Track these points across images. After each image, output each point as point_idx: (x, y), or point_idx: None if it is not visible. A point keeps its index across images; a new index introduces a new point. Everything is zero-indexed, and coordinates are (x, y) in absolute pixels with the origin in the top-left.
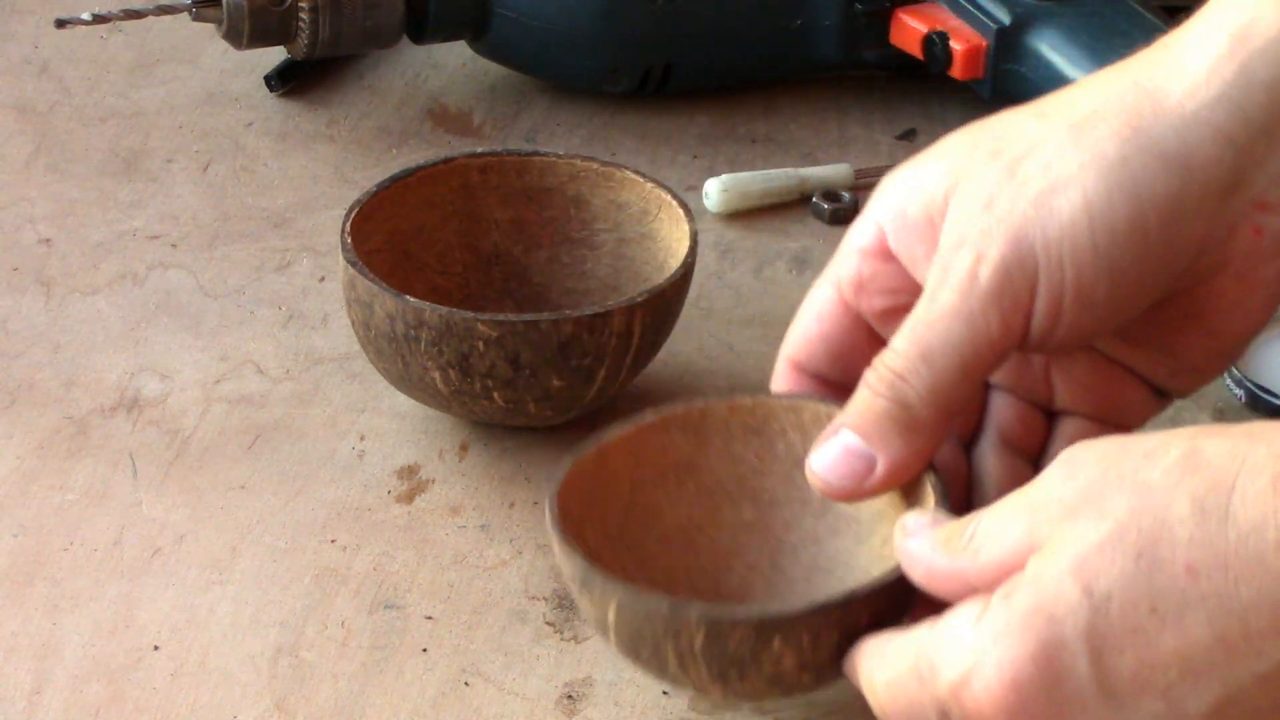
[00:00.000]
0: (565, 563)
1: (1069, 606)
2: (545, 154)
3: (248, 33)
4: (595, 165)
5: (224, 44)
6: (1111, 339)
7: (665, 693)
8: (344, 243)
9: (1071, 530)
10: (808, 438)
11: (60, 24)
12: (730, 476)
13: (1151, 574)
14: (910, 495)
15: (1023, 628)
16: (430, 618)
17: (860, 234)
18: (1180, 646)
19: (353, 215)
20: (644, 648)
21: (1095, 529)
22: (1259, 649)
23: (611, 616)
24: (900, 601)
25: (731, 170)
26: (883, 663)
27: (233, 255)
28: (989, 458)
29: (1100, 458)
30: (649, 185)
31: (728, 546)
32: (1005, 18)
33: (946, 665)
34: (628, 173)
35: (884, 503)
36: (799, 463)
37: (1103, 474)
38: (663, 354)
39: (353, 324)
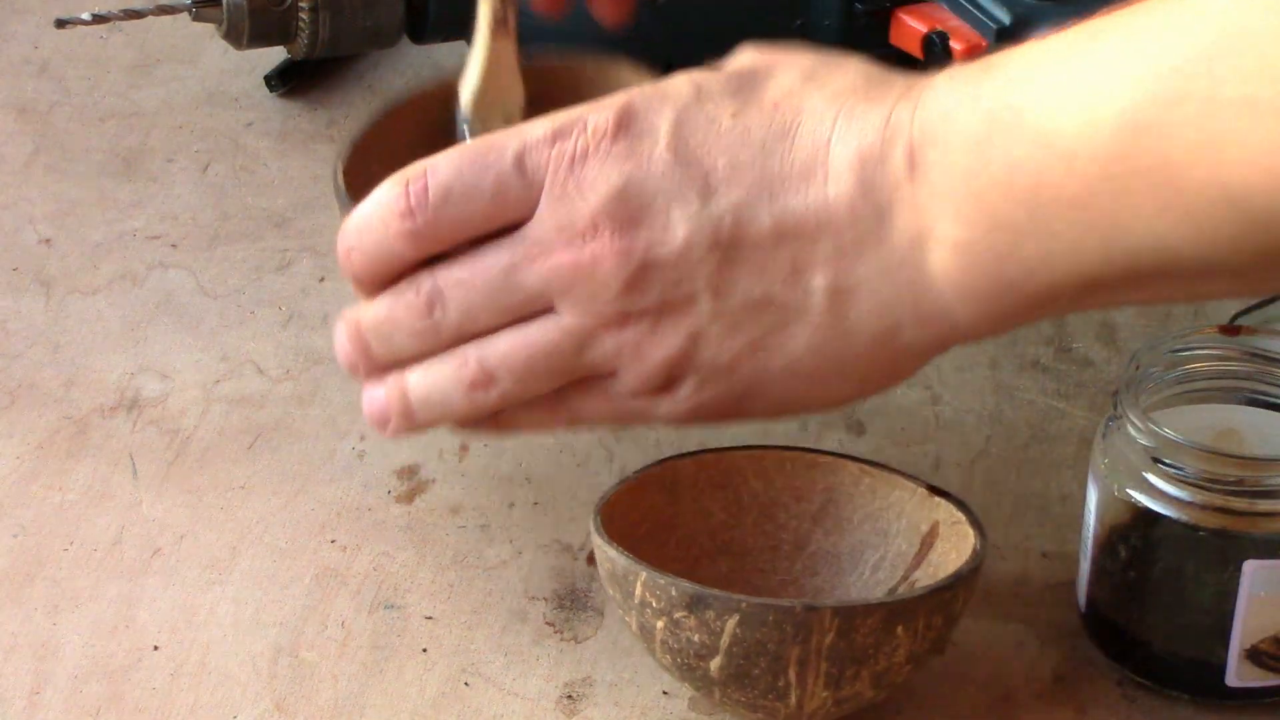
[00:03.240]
0: (659, 593)
1: (676, 91)
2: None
3: (248, 33)
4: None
5: (224, 44)
6: None
7: (665, 693)
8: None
9: (716, 68)
10: (771, 484)
11: (60, 24)
12: (703, 531)
13: (748, 96)
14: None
15: (636, 94)
16: (430, 618)
17: None
18: (736, 146)
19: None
20: (762, 659)
21: (730, 72)
22: (786, 183)
23: (729, 632)
24: (974, 589)
25: None
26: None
27: (233, 255)
28: None
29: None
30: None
31: None
32: (1005, 18)
33: (545, 120)
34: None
35: (865, 532)
36: (765, 510)
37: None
38: None
39: None
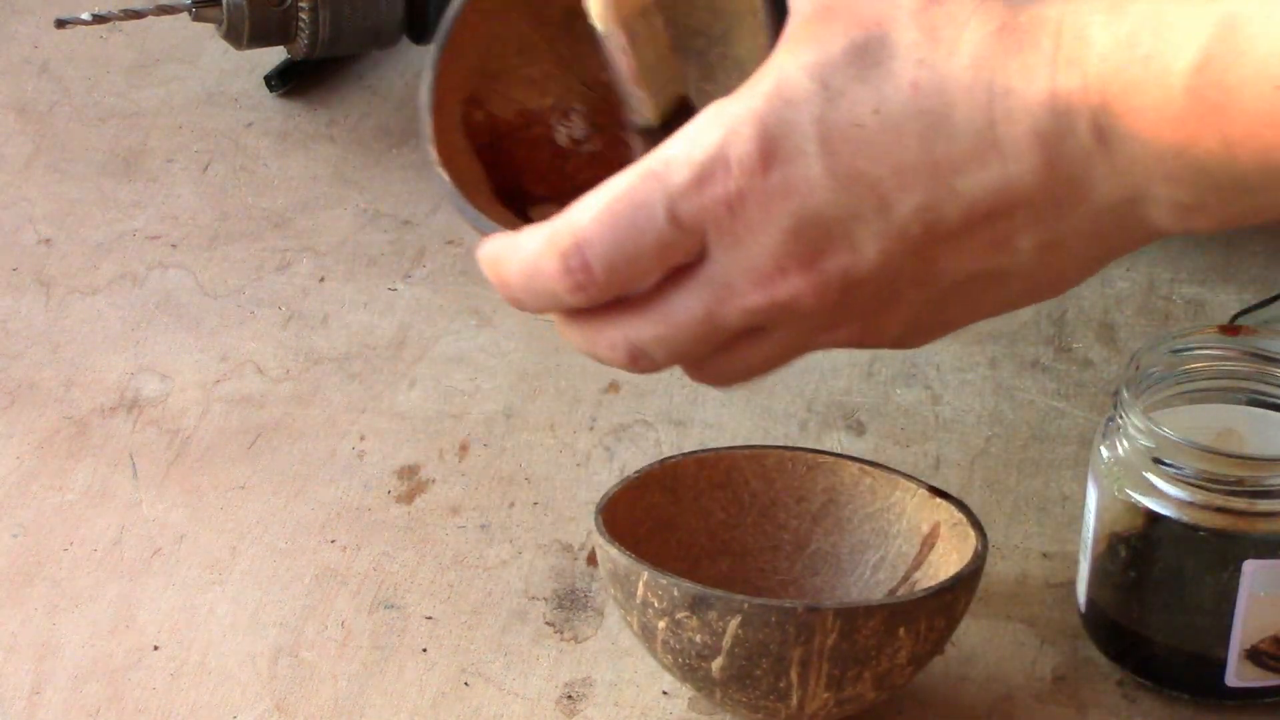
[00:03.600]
0: (662, 593)
1: (805, 94)
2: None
3: (248, 33)
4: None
5: (224, 44)
6: None
7: (665, 693)
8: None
9: (812, 41)
10: (772, 484)
11: (60, 24)
12: (703, 531)
13: (881, 82)
14: None
15: (764, 107)
16: (430, 618)
17: None
18: (897, 156)
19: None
20: (764, 660)
21: (835, 42)
22: (959, 168)
23: (732, 633)
24: (973, 591)
25: None
26: (602, 188)
27: (233, 255)
28: None
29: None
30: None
31: None
32: None
33: (681, 159)
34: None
35: (865, 533)
36: (766, 510)
37: (853, 5)
38: None
39: None
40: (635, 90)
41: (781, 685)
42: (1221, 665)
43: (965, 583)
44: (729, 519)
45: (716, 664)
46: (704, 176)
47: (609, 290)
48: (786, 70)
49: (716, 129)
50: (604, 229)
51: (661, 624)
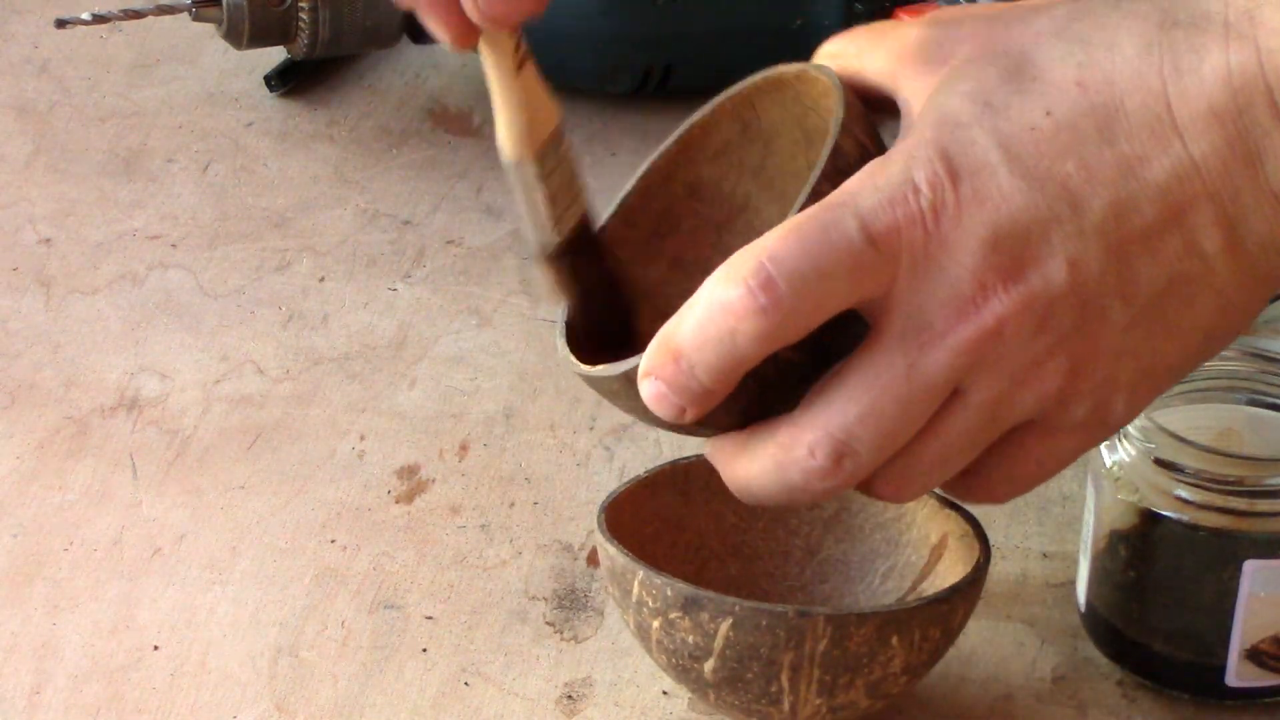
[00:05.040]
0: (655, 593)
1: (971, 114)
2: None
3: (248, 33)
4: None
5: (224, 44)
6: None
7: (665, 693)
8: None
9: (959, 77)
10: None
11: (60, 24)
12: (714, 533)
13: (1044, 89)
14: None
15: (936, 134)
16: (430, 618)
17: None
18: (1074, 143)
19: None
20: (755, 663)
21: (985, 71)
22: (1143, 156)
23: (723, 635)
24: (975, 602)
25: None
26: (784, 223)
27: (233, 255)
28: None
29: (986, 19)
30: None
31: None
32: None
33: (867, 188)
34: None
35: (876, 541)
36: (778, 516)
37: (989, 28)
38: None
39: None
40: (545, 214)
41: (773, 689)
42: (1221, 665)
43: (962, 595)
44: (740, 522)
45: (708, 665)
46: (894, 199)
47: (796, 317)
48: (944, 102)
49: (894, 164)
50: (792, 243)
51: (656, 624)
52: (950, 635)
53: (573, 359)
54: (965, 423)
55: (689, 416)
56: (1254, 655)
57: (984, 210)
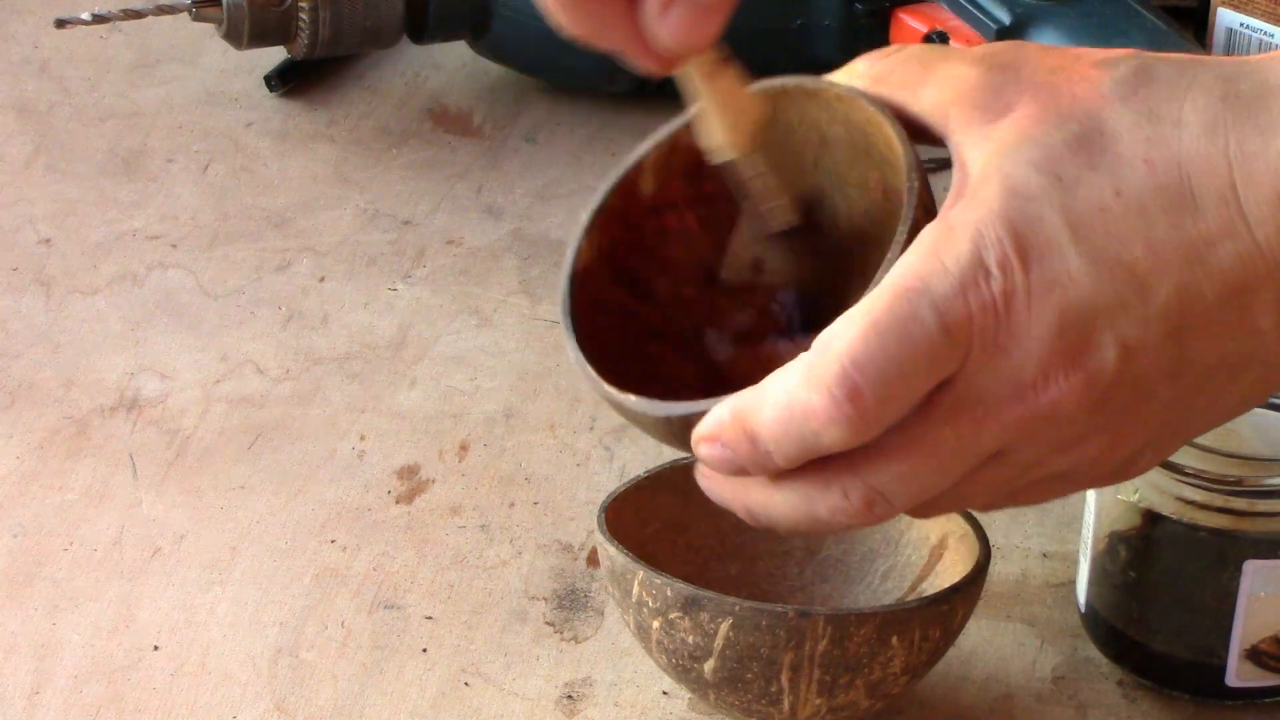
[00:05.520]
0: (655, 593)
1: (1040, 188)
2: None
3: (248, 33)
4: None
5: (224, 44)
6: None
7: (665, 693)
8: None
9: (1027, 141)
10: None
11: (60, 24)
12: (714, 534)
13: (1113, 165)
14: None
15: (1004, 207)
16: (430, 618)
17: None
18: (1143, 227)
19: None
20: (755, 663)
21: (1053, 136)
22: (1210, 240)
23: (723, 635)
24: (975, 602)
25: None
26: (854, 317)
27: (233, 255)
28: None
29: (1048, 69)
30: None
31: None
32: (1005, 18)
33: (937, 271)
34: None
35: (875, 541)
36: None
37: (1052, 83)
38: None
39: None
40: (775, 200)
41: (773, 689)
42: (1221, 665)
43: (963, 595)
44: (740, 523)
45: (708, 666)
46: (967, 284)
47: (880, 422)
48: (1010, 170)
49: (962, 240)
50: (873, 346)
51: (656, 624)
52: (950, 635)
53: (602, 382)
54: (998, 476)
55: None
56: (1254, 655)
57: (1052, 296)
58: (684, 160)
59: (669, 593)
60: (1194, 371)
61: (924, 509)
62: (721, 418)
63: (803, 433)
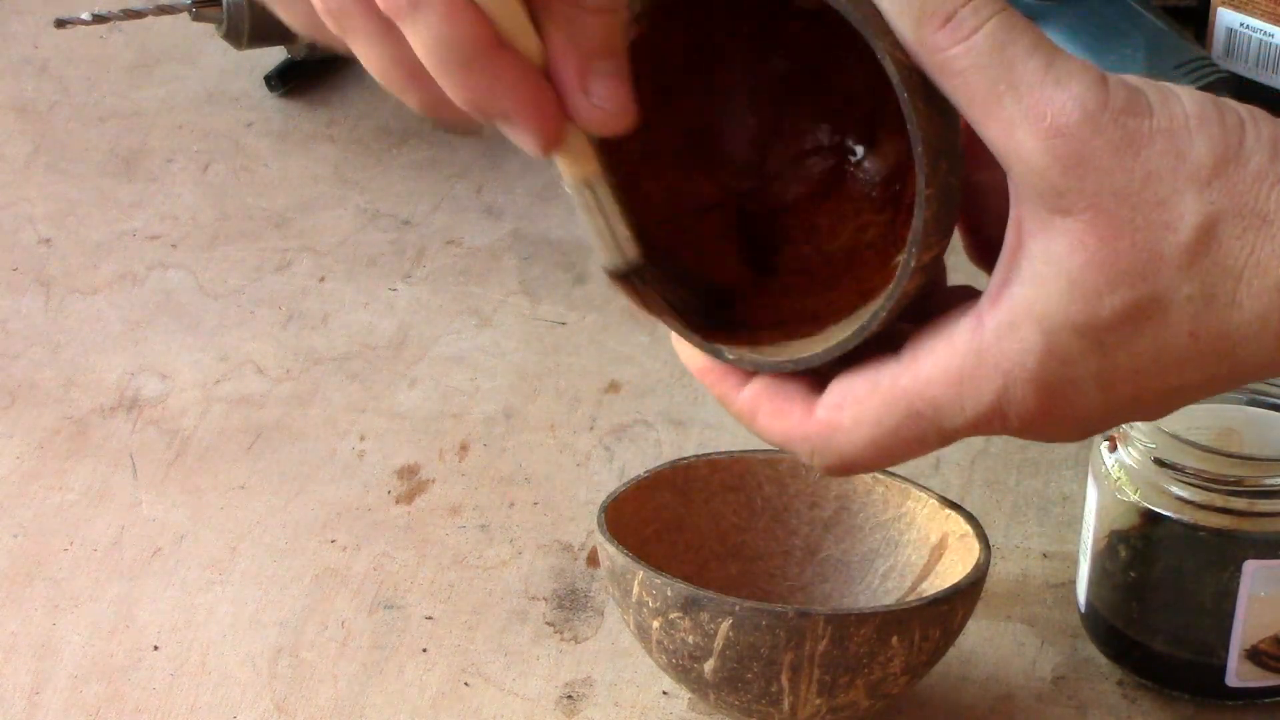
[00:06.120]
0: (655, 593)
1: (1079, 353)
2: None
3: (248, 33)
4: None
5: (224, 44)
6: None
7: (665, 693)
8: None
9: (1078, 297)
10: (785, 489)
11: (60, 24)
12: (713, 534)
13: (1157, 332)
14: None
15: (1040, 370)
16: (430, 618)
17: None
18: (1176, 381)
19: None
20: (755, 663)
21: (1104, 302)
22: (1249, 374)
23: (723, 635)
24: (975, 603)
25: None
26: (863, 418)
27: (233, 255)
28: None
29: (1113, 189)
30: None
31: None
32: None
33: (954, 407)
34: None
35: (876, 541)
36: (778, 516)
37: (1116, 214)
38: (666, 358)
39: None
40: (621, 230)
41: (773, 689)
42: (1221, 665)
43: (963, 595)
44: (740, 522)
45: (708, 666)
46: (979, 424)
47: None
48: (1054, 327)
49: (988, 386)
50: (869, 457)
51: (656, 624)
52: (950, 635)
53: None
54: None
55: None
56: (1254, 655)
57: (1064, 425)
58: None
59: (669, 593)
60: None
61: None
62: (744, 403)
63: (790, 448)
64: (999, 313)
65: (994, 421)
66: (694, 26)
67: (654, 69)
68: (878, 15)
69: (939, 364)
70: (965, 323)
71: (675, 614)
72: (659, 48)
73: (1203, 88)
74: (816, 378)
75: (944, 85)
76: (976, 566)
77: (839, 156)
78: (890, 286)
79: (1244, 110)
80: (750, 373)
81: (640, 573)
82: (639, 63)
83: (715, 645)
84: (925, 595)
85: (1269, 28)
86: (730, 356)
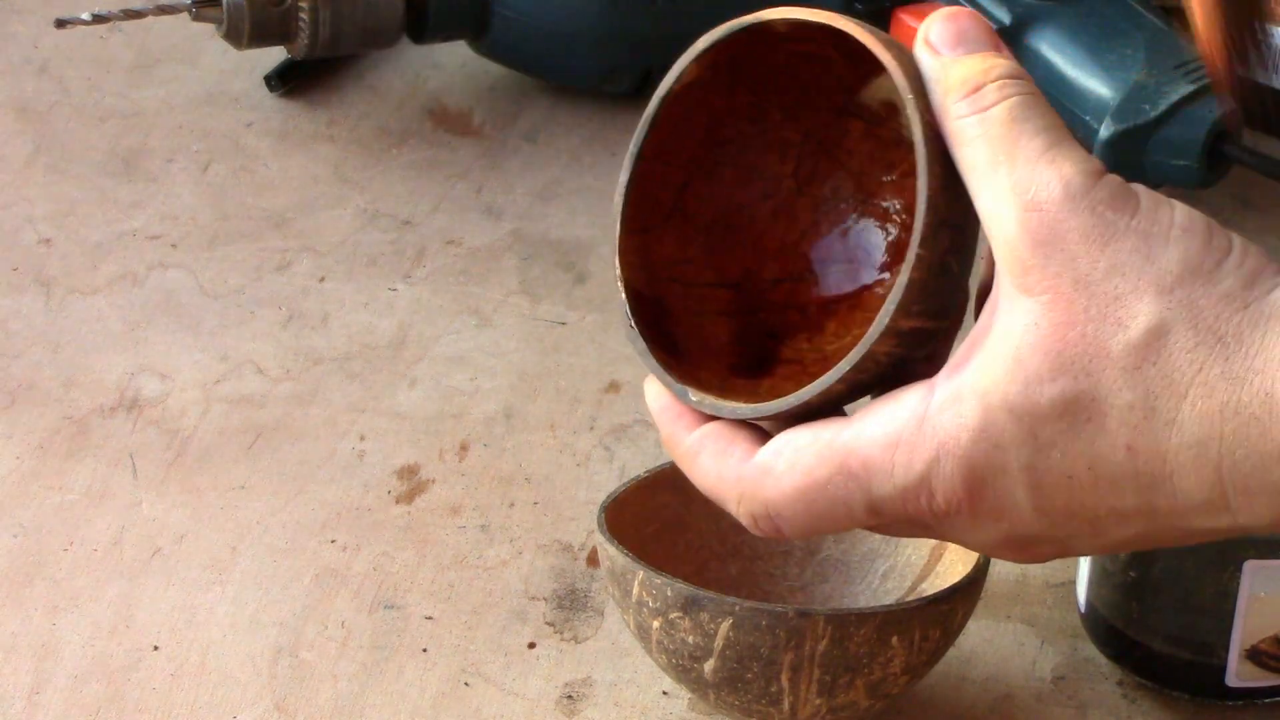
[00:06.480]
0: (656, 593)
1: (1012, 439)
2: None
3: (248, 33)
4: None
5: (224, 44)
6: None
7: (665, 693)
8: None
9: (1017, 379)
10: None
11: (60, 24)
12: (714, 533)
13: (1093, 438)
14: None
15: (970, 449)
16: (430, 618)
17: None
18: (1112, 502)
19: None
20: (755, 663)
21: (1041, 390)
22: (1185, 516)
23: (723, 635)
24: (975, 603)
25: None
26: (797, 465)
27: (233, 255)
28: None
29: (1074, 278)
30: None
31: None
32: (1005, 18)
33: (884, 471)
34: None
35: (876, 541)
36: None
37: (1071, 300)
38: None
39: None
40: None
41: (773, 690)
42: (1221, 665)
43: (963, 594)
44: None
45: (709, 666)
46: (907, 496)
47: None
48: (991, 404)
49: (920, 456)
50: (799, 510)
51: (656, 624)
52: (950, 635)
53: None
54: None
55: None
56: (1254, 655)
57: (999, 524)
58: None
59: (669, 593)
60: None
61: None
62: (692, 443)
63: (715, 495)
64: (950, 384)
65: (920, 497)
66: (758, 93)
67: (710, 121)
68: (919, 79)
69: (881, 425)
70: (918, 391)
71: (675, 614)
72: (719, 101)
73: (1202, 88)
74: (768, 434)
75: (955, 152)
76: (977, 566)
77: (867, 273)
78: (858, 346)
79: (1239, 240)
80: (707, 418)
81: (640, 573)
82: (696, 110)
83: (715, 645)
84: (925, 595)
85: (1269, 28)
86: (693, 398)
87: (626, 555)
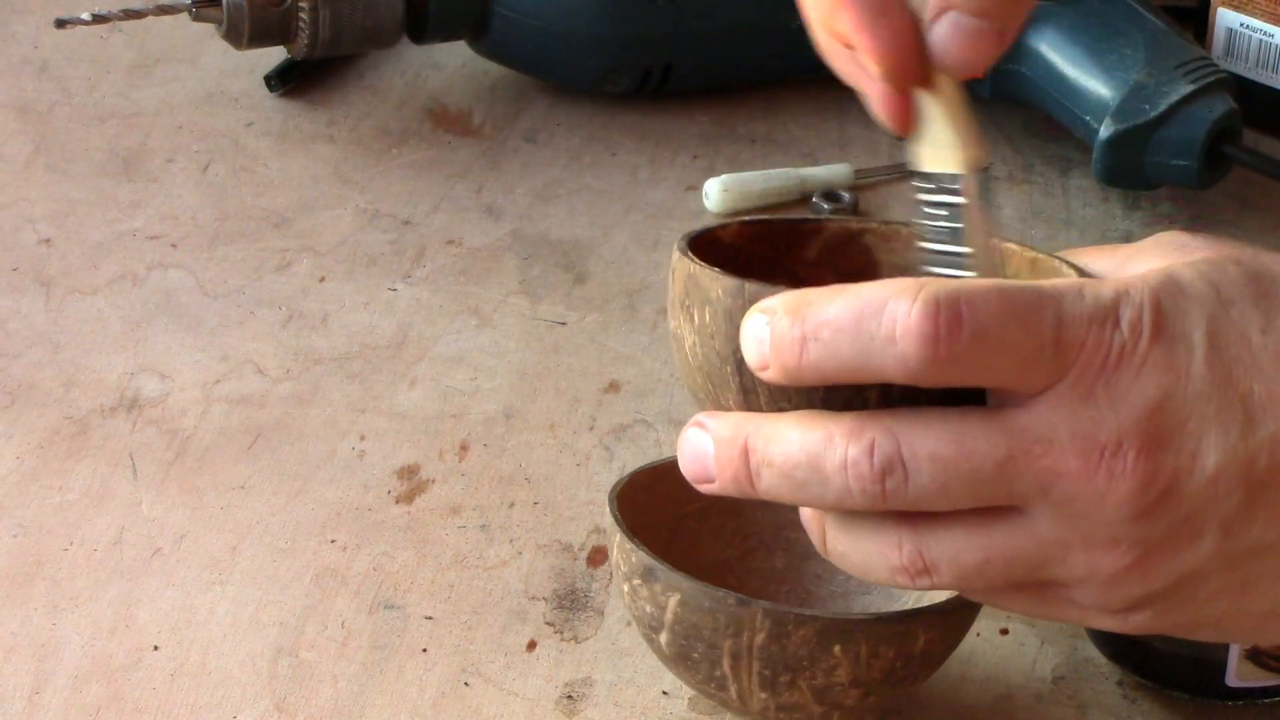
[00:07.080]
0: (625, 556)
1: (1199, 291)
2: None
3: (248, 33)
4: None
5: (224, 44)
6: None
7: (665, 693)
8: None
9: (1201, 261)
10: None
11: (60, 24)
12: (768, 524)
13: (1271, 311)
14: None
15: (1159, 286)
16: (430, 618)
17: None
18: (1272, 370)
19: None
20: (699, 644)
21: (1227, 266)
22: None
23: (671, 609)
24: (958, 633)
25: (732, 170)
26: (991, 284)
27: (233, 255)
28: None
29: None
30: None
31: (755, 591)
32: None
33: (1074, 294)
34: None
35: None
36: None
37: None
38: (665, 358)
39: None
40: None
41: (717, 674)
42: (1221, 665)
43: (922, 620)
44: (796, 518)
45: (663, 638)
46: (1095, 319)
47: (957, 362)
48: (1177, 269)
49: (1108, 287)
50: (993, 303)
51: (626, 588)
52: (912, 659)
53: (691, 258)
54: (1015, 543)
55: (769, 375)
56: (1254, 655)
57: (1164, 377)
58: None
59: (633, 559)
60: (1248, 538)
61: (927, 564)
62: (785, 295)
63: (871, 331)
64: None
65: (1109, 320)
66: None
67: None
68: None
69: (1060, 280)
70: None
71: (637, 580)
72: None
73: (1202, 88)
74: None
75: None
76: (953, 599)
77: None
78: None
79: None
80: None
81: (618, 536)
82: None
83: (666, 618)
84: (878, 611)
85: (1269, 28)
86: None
87: (615, 517)
